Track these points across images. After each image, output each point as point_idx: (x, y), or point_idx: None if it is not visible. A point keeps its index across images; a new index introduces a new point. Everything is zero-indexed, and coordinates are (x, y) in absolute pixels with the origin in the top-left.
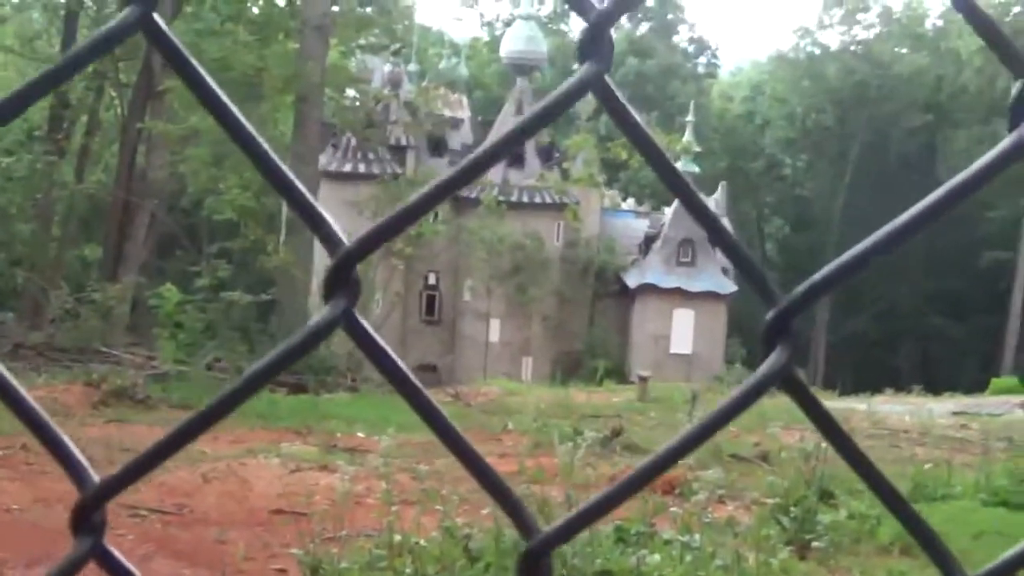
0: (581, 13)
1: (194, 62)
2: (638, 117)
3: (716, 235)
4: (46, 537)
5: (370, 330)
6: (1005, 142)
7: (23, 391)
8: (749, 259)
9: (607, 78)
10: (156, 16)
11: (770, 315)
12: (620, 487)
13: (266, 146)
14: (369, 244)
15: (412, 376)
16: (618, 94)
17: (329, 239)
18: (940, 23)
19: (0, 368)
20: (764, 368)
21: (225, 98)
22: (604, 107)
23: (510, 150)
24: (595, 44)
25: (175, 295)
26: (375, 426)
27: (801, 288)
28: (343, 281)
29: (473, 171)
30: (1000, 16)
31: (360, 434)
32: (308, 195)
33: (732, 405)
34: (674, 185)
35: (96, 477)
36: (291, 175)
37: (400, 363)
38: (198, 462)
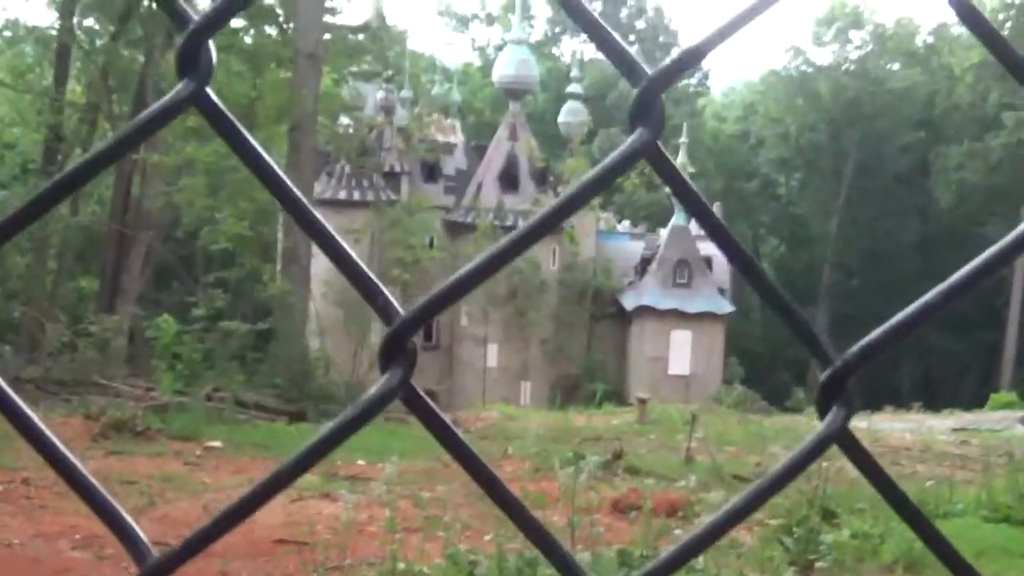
0: (632, 78)
1: (249, 138)
2: (690, 181)
3: (773, 300)
4: (46, 572)
5: (429, 401)
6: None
7: (78, 463)
8: (804, 322)
9: (659, 144)
10: (209, 91)
11: (824, 376)
12: (680, 552)
13: (323, 220)
14: (423, 315)
15: (472, 448)
16: (671, 160)
17: (385, 310)
18: (931, 40)
19: (59, 443)
20: (822, 429)
21: (283, 175)
22: (657, 173)
23: (557, 224)
24: (646, 109)
25: (172, 326)
26: (376, 454)
27: (855, 349)
28: (399, 351)
29: (526, 241)
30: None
31: (361, 462)
32: (364, 267)
33: (790, 466)
34: (731, 252)
35: (153, 550)
36: (348, 249)
37: (459, 434)
38: (200, 493)
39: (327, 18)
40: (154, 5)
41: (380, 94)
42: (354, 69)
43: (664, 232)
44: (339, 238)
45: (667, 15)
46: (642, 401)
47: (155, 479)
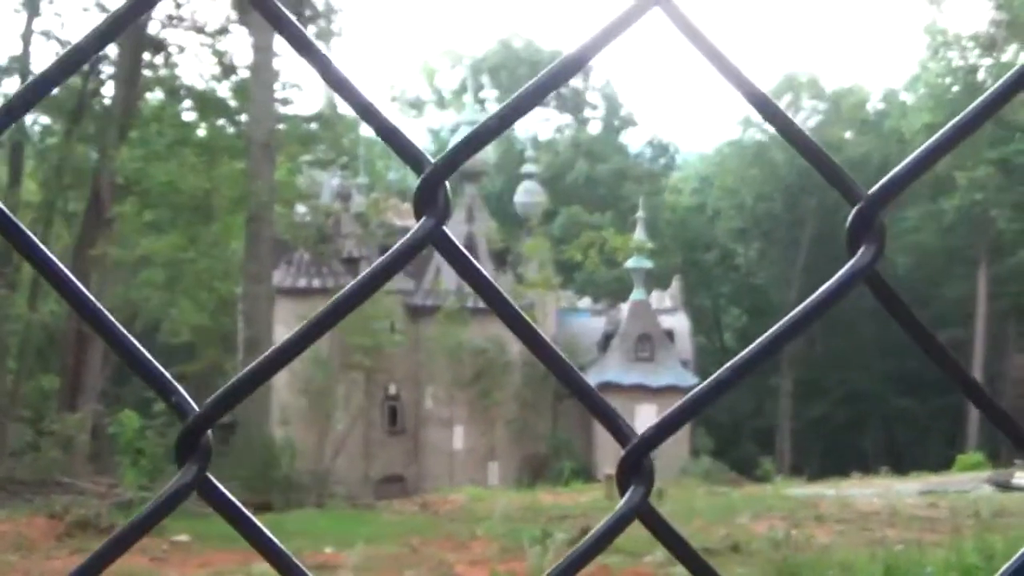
0: (415, 168)
1: (31, 236)
2: (479, 265)
3: (575, 384)
4: None
5: (226, 493)
6: (844, 269)
7: None
8: (600, 402)
9: (445, 230)
10: None
11: (624, 453)
12: None
13: (113, 320)
14: (218, 408)
15: (277, 542)
16: (457, 244)
17: (179, 407)
18: (882, 106)
19: None
20: (622, 506)
21: (70, 275)
22: (444, 257)
23: (350, 311)
24: (431, 197)
25: (134, 421)
26: (343, 541)
27: (650, 429)
28: (194, 446)
29: (316, 330)
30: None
31: (328, 550)
32: (159, 367)
33: (592, 544)
34: (519, 331)
35: None
36: (142, 348)
37: (260, 526)
38: None
39: (279, 108)
40: (106, 102)
41: (336, 181)
42: (308, 157)
43: (625, 307)
44: (131, 337)
45: (617, 93)
46: (610, 477)
47: None
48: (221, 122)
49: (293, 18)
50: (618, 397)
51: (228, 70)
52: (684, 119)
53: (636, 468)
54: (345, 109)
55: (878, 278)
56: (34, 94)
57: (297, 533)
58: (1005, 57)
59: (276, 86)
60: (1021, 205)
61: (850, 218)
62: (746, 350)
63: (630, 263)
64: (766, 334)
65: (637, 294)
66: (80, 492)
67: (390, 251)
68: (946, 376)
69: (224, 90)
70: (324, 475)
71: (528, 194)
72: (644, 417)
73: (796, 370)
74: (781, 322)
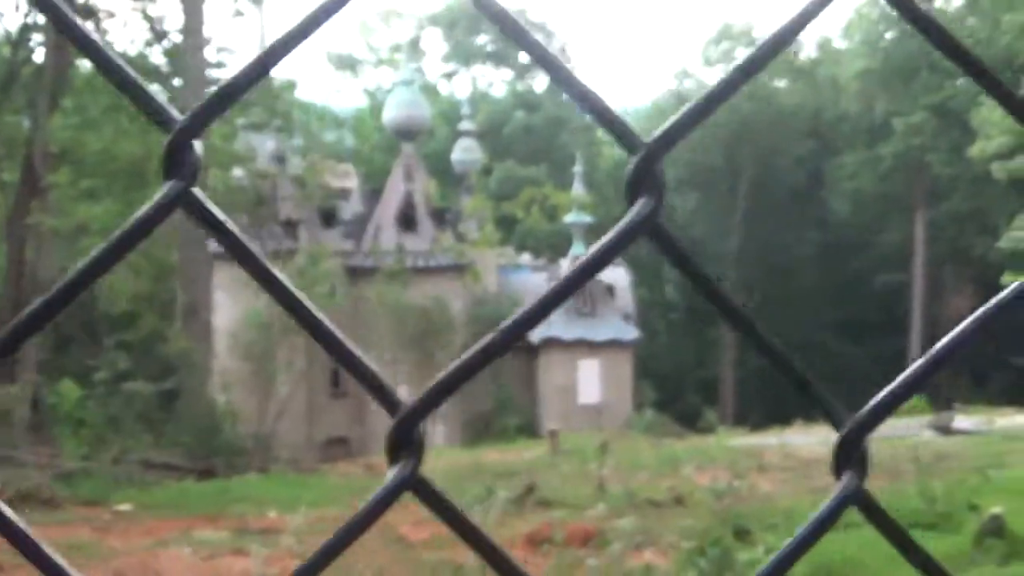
0: (163, 128)
1: None
2: (229, 222)
3: (330, 347)
4: None
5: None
6: (623, 221)
7: None
8: (367, 371)
9: (195, 192)
10: None
11: (393, 424)
12: None
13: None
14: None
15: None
16: (210, 208)
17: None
18: (815, 55)
19: None
20: (390, 481)
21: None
22: (196, 222)
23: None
24: (178, 159)
25: (74, 391)
26: (287, 505)
27: (420, 397)
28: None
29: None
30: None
31: (272, 514)
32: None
33: (361, 519)
34: (280, 297)
35: None
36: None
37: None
38: (109, 559)
39: (212, 72)
40: (36, 70)
41: (272, 144)
42: (243, 121)
43: (564, 262)
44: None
45: (569, 55)
46: (553, 433)
47: (62, 547)
48: (154, 88)
49: None
50: (561, 352)
51: (159, 35)
52: (618, 71)
53: (407, 440)
54: (281, 72)
55: (661, 230)
56: None
57: (241, 498)
58: (937, 3)
59: (208, 50)
60: (956, 150)
61: (629, 168)
62: (520, 310)
63: (569, 218)
64: (547, 292)
65: (577, 249)
66: (21, 464)
67: (134, 216)
68: (745, 336)
69: (157, 55)
70: (267, 439)
71: (465, 151)
72: (586, 371)
73: None
74: (561, 279)
